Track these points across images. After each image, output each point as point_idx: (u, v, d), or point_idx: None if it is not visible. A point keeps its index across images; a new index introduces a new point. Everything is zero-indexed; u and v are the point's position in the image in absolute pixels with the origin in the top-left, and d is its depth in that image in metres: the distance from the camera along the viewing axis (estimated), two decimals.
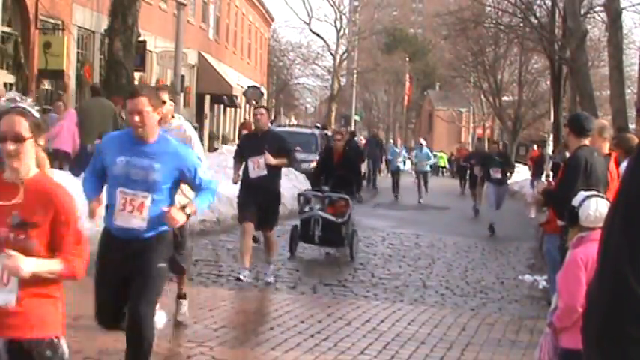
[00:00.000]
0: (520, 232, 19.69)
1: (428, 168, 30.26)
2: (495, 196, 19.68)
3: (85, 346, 7.21)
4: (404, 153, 40.41)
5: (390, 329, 8.90)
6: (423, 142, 33.31)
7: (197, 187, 6.10)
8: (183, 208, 5.95)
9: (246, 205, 10.91)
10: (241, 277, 10.52)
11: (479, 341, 8.73)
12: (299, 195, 13.91)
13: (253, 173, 10.89)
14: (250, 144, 11.20)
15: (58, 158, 16.79)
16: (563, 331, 5.07)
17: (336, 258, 13.84)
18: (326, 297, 10.56)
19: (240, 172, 11.26)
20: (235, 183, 11.33)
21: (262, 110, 11.40)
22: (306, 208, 13.28)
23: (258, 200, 10.75)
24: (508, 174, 20.58)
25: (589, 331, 1.81)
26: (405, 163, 39.70)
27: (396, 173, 30.80)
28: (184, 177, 5.99)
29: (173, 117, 7.80)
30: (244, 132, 28.47)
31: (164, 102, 6.87)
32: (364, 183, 32.29)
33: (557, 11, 33.15)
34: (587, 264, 5.02)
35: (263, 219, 10.84)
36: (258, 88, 42.40)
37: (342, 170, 13.58)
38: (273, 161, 10.85)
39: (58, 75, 21.86)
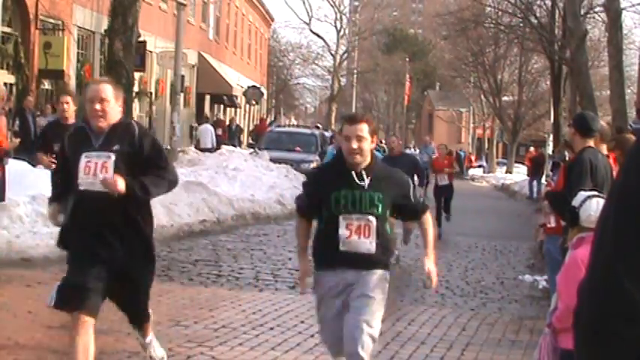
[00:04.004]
0: (520, 232, 19.68)
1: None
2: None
3: None
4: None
5: (390, 329, 8.89)
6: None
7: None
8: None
9: None
10: None
11: (479, 341, 8.73)
12: None
13: None
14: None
15: None
16: (563, 332, 5.06)
17: None
18: None
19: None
20: None
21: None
22: None
23: None
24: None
25: (579, 329, 1.80)
26: None
27: None
28: None
29: None
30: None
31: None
32: None
33: (557, 11, 33.20)
34: (587, 265, 5.01)
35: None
36: (258, 88, 42.44)
37: None
38: None
39: (58, 75, 21.88)
